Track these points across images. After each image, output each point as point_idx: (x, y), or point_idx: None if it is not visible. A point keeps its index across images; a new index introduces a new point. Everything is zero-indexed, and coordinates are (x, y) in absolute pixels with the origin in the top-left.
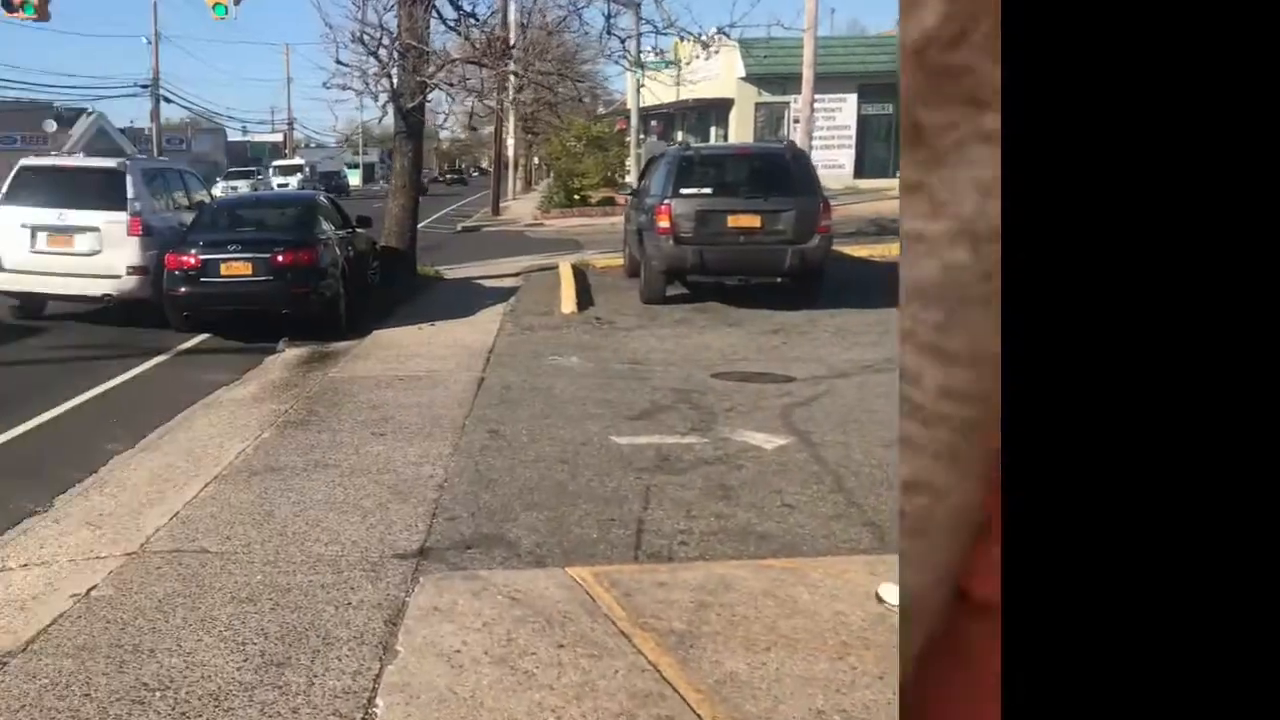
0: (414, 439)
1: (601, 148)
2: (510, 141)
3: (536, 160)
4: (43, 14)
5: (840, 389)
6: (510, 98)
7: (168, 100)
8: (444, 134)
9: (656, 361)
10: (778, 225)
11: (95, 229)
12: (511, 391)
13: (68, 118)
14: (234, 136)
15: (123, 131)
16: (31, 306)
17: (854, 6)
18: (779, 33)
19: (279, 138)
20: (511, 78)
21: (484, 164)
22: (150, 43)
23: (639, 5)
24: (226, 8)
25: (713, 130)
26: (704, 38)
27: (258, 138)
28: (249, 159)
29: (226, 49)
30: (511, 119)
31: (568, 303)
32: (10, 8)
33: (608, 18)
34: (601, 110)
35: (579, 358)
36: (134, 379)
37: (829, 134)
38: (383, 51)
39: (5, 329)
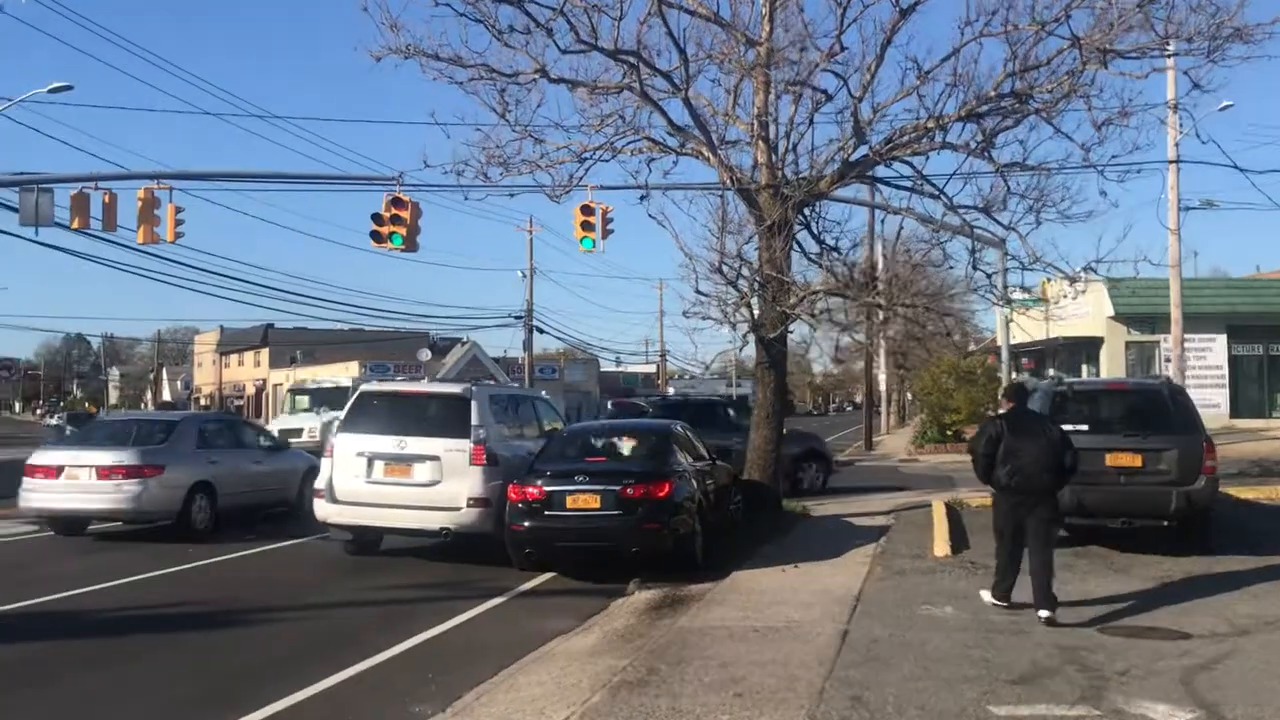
0: (764, 707)
1: (971, 382)
2: (882, 376)
3: (910, 395)
4: (410, 245)
5: (1245, 649)
6: (876, 330)
7: (541, 331)
8: (816, 368)
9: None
10: (1160, 465)
11: (436, 457)
12: (878, 647)
13: (442, 347)
14: (608, 367)
15: (497, 361)
16: (366, 540)
17: (1215, 254)
18: (1145, 269)
19: (652, 369)
20: (876, 311)
21: (857, 398)
22: (525, 276)
23: (1003, 241)
24: (594, 241)
25: (1084, 368)
26: (1071, 274)
27: (631, 368)
28: (622, 389)
29: (602, 283)
30: (883, 353)
31: (940, 545)
32: (379, 239)
33: (972, 252)
34: (972, 346)
35: (953, 607)
36: (463, 625)
37: (1201, 373)
38: (742, 282)
39: (333, 566)
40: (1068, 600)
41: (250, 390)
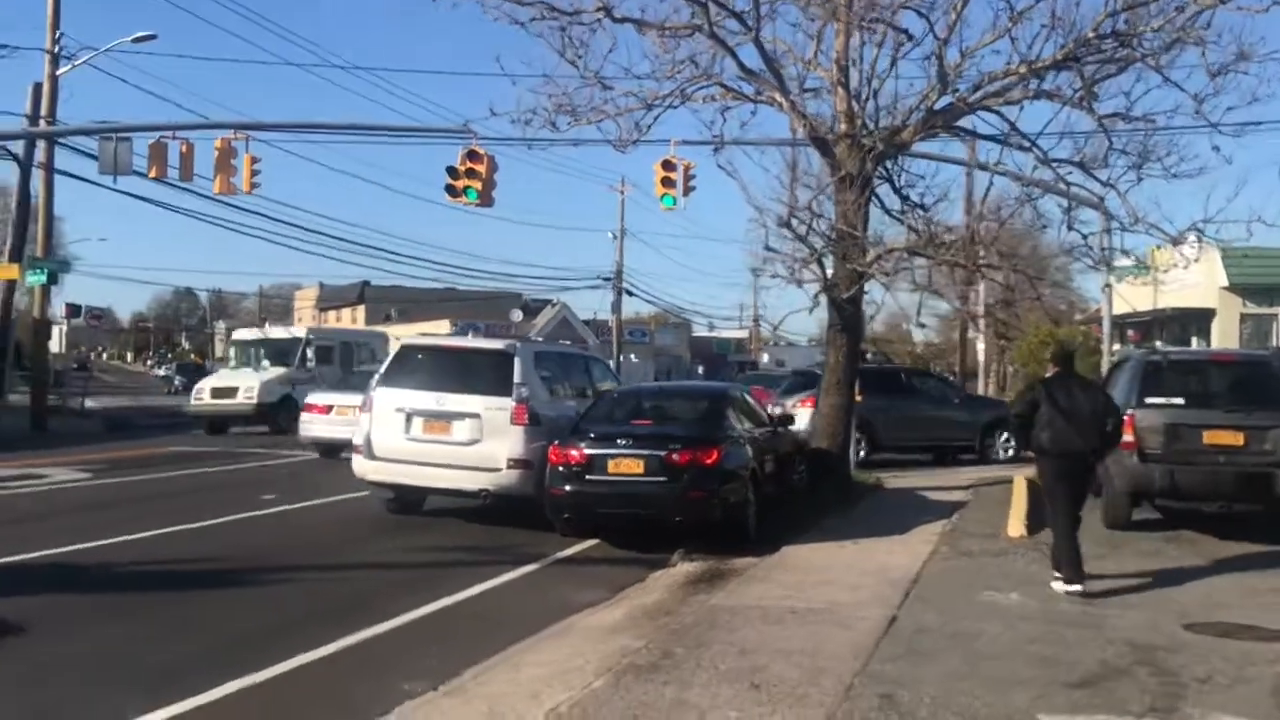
0: (779, 703)
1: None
2: (980, 346)
3: (1011, 368)
4: (486, 200)
5: None
6: (962, 294)
7: (630, 294)
8: (918, 336)
9: (1115, 602)
10: (1264, 444)
11: (476, 416)
12: (926, 638)
13: (534, 308)
14: (700, 331)
15: (587, 323)
16: (408, 499)
17: None
18: (1260, 233)
19: (744, 334)
20: (963, 273)
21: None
22: (615, 238)
23: (1102, 200)
24: (675, 198)
25: (1193, 341)
26: (1176, 236)
27: (724, 333)
28: (714, 354)
29: (695, 245)
30: (981, 322)
31: (1015, 524)
32: (453, 193)
33: (1067, 211)
34: (1078, 316)
35: (1019, 594)
36: (487, 592)
37: None
38: (814, 238)
39: (374, 524)
40: (1150, 587)
41: None
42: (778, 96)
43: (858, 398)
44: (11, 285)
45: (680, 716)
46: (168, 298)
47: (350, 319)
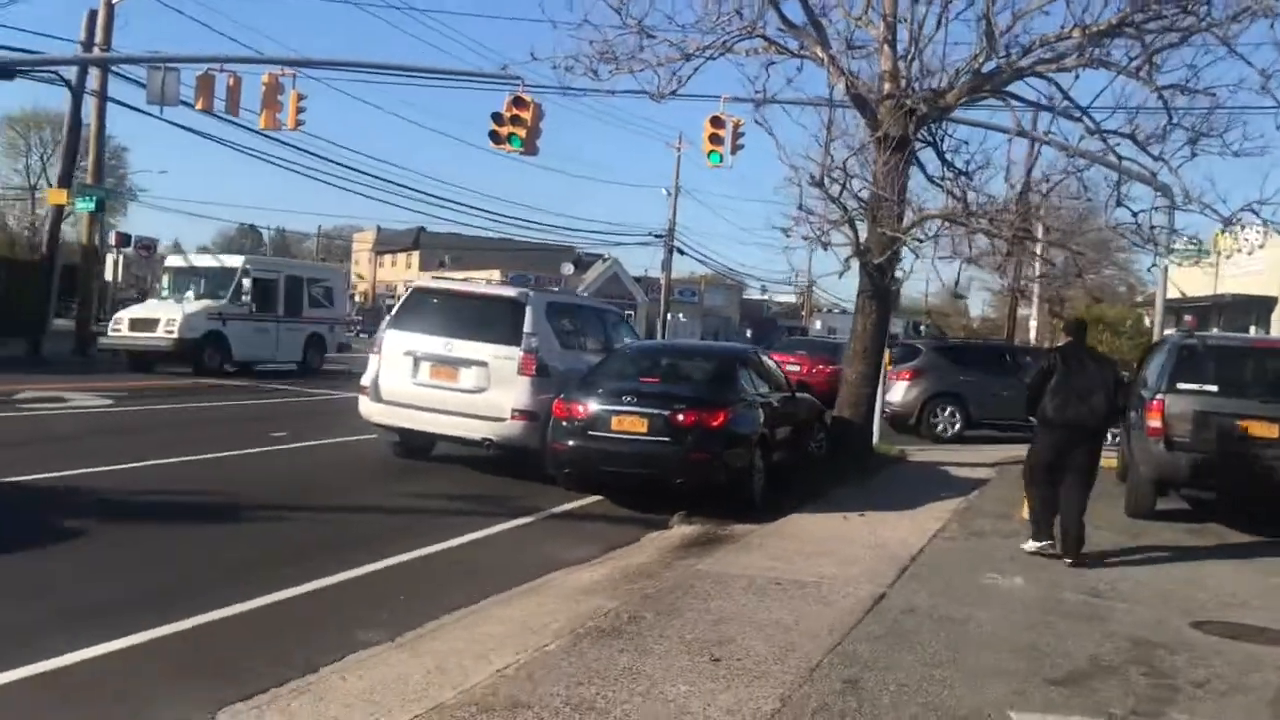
0: (737, 679)
1: (1118, 333)
2: (1033, 322)
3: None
4: (530, 148)
5: None
6: (1001, 266)
7: (681, 252)
8: (974, 312)
9: (1123, 594)
10: None
11: (483, 363)
12: (911, 619)
13: (586, 262)
14: (754, 294)
15: (638, 280)
16: (415, 444)
17: None
18: None
19: (798, 299)
20: (1005, 244)
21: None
22: (669, 194)
23: (1155, 175)
24: (721, 156)
25: (1252, 329)
26: (1229, 216)
27: (777, 297)
28: (763, 318)
29: (753, 207)
30: (1035, 297)
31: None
32: (497, 140)
33: (1117, 186)
34: (1139, 299)
35: (1024, 579)
36: (475, 542)
37: None
38: (848, 198)
39: (379, 467)
40: (1163, 581)
41: (400, 290)
42: (819, 51)
43: (887, 367)
44: (60, 211)
45: (629, 686)
46: (232, 234)
47: (405, 264)
